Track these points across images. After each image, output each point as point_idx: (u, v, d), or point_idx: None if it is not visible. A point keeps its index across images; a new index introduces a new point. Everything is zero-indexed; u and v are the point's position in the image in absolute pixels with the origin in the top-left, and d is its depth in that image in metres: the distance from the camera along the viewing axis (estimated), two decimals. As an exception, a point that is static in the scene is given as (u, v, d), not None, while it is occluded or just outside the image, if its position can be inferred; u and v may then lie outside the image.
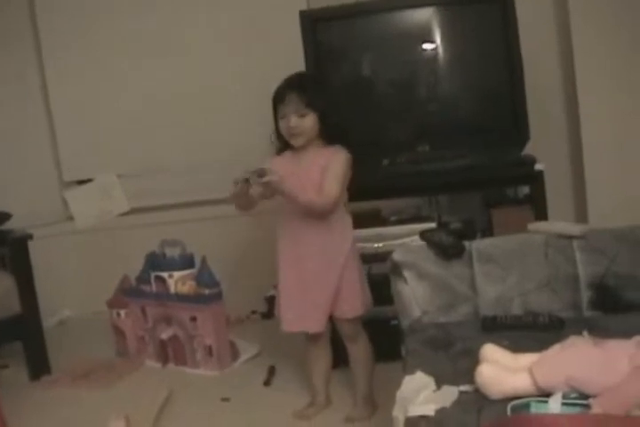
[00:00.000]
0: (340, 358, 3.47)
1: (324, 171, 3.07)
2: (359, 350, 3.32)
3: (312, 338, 3.32)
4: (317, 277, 3.15)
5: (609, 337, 2.09)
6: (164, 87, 4.91)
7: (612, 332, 2.24)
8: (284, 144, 3.19)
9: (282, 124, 3.10)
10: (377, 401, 3.34)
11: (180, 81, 4.90)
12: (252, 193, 3.05)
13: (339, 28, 3.91)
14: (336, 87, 3.84)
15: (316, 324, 3.18)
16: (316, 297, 3.15)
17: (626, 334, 2.13)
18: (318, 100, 3.08)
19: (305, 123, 3.07)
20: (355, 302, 3.20)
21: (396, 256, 2.73)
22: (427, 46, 3.83)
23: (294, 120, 3.06)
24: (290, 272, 3.20)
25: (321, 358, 3.38)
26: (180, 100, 4.88)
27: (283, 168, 3.09)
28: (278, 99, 3.11)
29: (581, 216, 4.14)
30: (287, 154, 3.20)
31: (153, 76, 4.92)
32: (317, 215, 3.09)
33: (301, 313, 3.18)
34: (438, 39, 3.82)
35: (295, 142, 3.12)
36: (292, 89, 3.09)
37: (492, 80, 3.83)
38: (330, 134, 3.13)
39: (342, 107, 3.71)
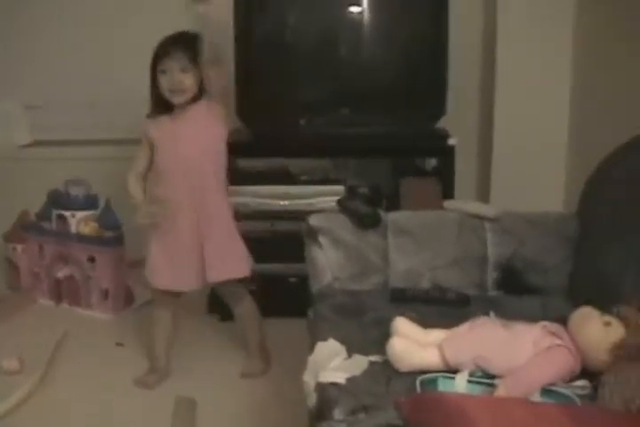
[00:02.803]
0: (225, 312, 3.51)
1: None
2: (243, 309, 3.33)
3: (163, 299, 3.30)
4: (188, 238, 3.14)
5: (510, 317, 2.19)
6: (80, 21, 4.79)
7: (513, 312, 2.35)
8: (158, 104, 3.10)
9: (163, 79, 3.02)
10: (271, 356, 3.41)
11: (96, 17, 4.78)
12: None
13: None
14: (262, 42, 3.85)
15: (189, 283, 3.18)
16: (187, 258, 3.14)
17: (526, 315, 2.24)
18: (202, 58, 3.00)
19: (187, 79, 3.00)
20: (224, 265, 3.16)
21: (313, 221, 2.76)
22: (355, 9, 3.84)
23: (177, 76, 3.00)
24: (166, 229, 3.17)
25: (167, 320, 3.34)
26: (98, 35, 4.77)
27: (160, 132, 3.11)
28: (161, 53, 3.03)
29: (484, 193, 4.24)
30: (163, 118, 3.12)
31: (73, 8, 4.79)
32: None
33: (175, 272, 3.17)
34: (367, 3, 3.83)
35: (176, 100, 3.04)
36: (177, 44, 3.03)
37: (416, 51, 3.89)
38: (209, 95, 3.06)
39: (266, 62, 3.75)
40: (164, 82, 3.03)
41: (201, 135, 3.08)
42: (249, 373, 3.32)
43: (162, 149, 3.13)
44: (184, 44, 3.02)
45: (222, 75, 3.00)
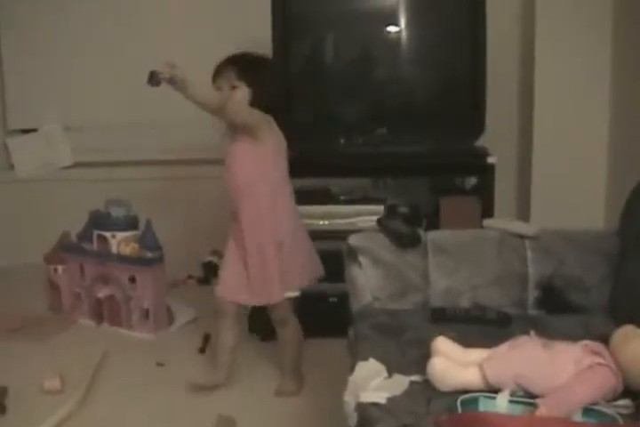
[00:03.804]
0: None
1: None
2: (288, 333, 3.34)
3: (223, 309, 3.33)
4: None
5: (551, 336, 2.17)
6: (121, 43, 4.84)
7: (554, 331, 2.33)
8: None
9: None
10: (304, 376, 3.42)
11: (136, 39, 4.83)
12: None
13: (309, 2, 3.95)
14: (301, 63, 3.87)
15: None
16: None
17: (567, 334, 2.22)
18: (250, 73, 3.07)
19: (237, 95, 3.05)
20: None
21: (352, 241, 2.76)
22: (393, 29, 3.86)
23: (227, 92, 3.05)
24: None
25: (230, 332, 3.37)
26: (138, 57, 4.80)
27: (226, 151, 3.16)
28: (215, 73, 3.12)
29: (524, 211, 4.23)
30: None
31: (110, 31, 4.85)
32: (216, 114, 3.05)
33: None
34: (406, 22, 3.86)
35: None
36: (226, 62, 3.12)
37: (454, 69, 3.91)
38: (264, 111, 3.09)
39: (304, 82, 3.77)
40: None
41: (252, 156, 3.10)
42: (281, 391, 3.32)
43: (225, 169, 3.17)
44: (232, 61, 3.11)
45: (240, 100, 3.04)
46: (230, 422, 3.02)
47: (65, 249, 4.22)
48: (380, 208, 3.77)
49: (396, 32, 3.87)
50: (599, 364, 2.00)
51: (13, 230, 5.00)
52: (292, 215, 3.24)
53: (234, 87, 3.07)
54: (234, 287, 3.22)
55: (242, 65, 3.09)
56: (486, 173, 3.73)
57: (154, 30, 4.80)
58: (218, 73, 3.11)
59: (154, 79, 2.81)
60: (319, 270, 3.29)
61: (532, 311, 2.69)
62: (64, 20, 4.87)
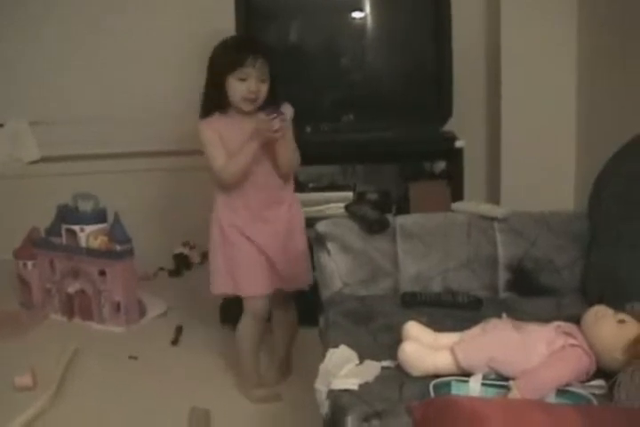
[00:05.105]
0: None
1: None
2: (287, 316, 3.31)
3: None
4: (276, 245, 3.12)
5: (523, 318, 2.15)
6: (84, 36, 4.80)
7: (526, 313, 2.33)
8: (216, 105, 3.04)
9: (239, 86, 2.95)
10: (292, 368, 3.39)
11: (101, 30, 4.79)
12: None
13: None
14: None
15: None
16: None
17: (539, 315, 2.21)
18: (276, 68, 3.02)
19: (263, 89, 2.98)
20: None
21: (321, 228, 2.73)
22: (357, 15, 3.85)
23: (257, 85, 2.96)
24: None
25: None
26: (101, 50, 4.78)
27: (218, 131, 3.03)
28: (240, 60, 2.95)
29: (494, 195, 4.23)
30: (218, 116, 3.06)
31: (73, 23, 4.80)
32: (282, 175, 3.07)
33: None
34: (371, 9, 3.84)
35: (247, 107, 2.98)
36: (257, 53, 2.97)
37: (420, 54, 3.90)
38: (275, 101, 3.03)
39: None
40: (238, 90, 2.96)
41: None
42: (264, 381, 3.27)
43: (261, 158, 3.06)
44: (263, 53, 3.00)
45: None
46: (205, 415, 3.00)
47: (34, 244, 4.18)
48: (349, 195, 3.77)
49: (361, 19, 3.86)
50: (572, 345, 1.99)
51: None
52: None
53: (262, 81, 2.97)
54: (259, 280, 3.12)
55: (272, 59, 3.01)
56: (455, 157, 3.73)
57: (115, 22, 4.75)
58: (244, 63, 2.94)
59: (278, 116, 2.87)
60: None
61: (504, 294, 2.68)
62: (29, 15, 4.81)
